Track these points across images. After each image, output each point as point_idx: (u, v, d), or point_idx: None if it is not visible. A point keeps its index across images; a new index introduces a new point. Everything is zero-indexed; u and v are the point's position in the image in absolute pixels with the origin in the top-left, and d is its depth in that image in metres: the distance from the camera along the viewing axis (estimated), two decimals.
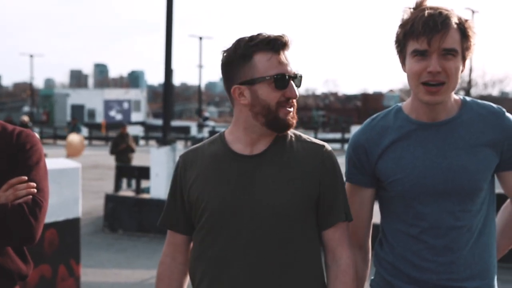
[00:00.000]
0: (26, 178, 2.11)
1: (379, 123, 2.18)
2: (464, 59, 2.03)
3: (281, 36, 2.00)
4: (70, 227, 4.82)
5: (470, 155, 2.05)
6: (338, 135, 35.81)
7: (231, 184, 2.03)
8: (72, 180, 4.80)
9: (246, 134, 2.06)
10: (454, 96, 2.12)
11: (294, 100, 2.04)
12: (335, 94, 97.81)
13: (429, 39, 1.94)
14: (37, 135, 2.30)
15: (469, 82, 41.05)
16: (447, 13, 1.98)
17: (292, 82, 2.01)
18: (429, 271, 2.08)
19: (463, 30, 2.00)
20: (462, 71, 2.05)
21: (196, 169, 2.10)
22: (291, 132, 2.11)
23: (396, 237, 2.16)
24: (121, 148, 14.12)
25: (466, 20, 2.01)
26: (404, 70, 2.08)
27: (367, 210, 2.23)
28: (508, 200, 2.25)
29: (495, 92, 58.18)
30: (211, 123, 40.10)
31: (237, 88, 2.02)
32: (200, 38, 46.33)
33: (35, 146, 2.21)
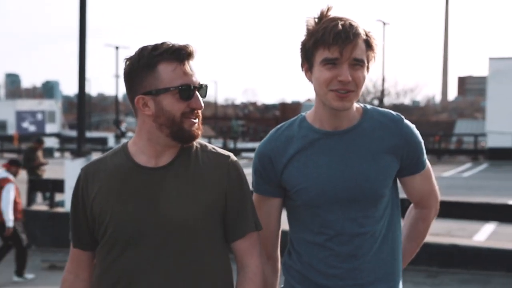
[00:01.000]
0: None
1: (284, 133, 2.19)
2: (368, 68, 2.08)
3: (185, 46, 1.96)
4: None
5: (371, 162, 2.10)
6: (257, 144, 35.97)
7: (134, 197, 1.98)
8: None
9: (150, 145, 2.01)
10: (356, 105, 2.16)
11: (200, 111, 2.00)
12: (254, 104, 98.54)
13: (341, 49, 1.97)
14: None
15: (382, 92, 42.25)
16: (356, 25, 2.03)
17: (197, 93, 1.98)
18: (335, 277, 2.12)
19: (367, 42, 2.05)
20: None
21: (98, 182, 2.03)
22: (196, 142, 2.08)
23: (303, 246, 2.18)
24: (36, 164, 13.73)
25: (369, 32, 2.07)
26: (308, 78, 2.11)
27: (275, 220, 2.23)
28: (411, 205, 2.33)
29: (406, 101, 60.32)
30: (129, 134, 39.57)
31: (140, 98, 1.96)
32: (117, 48, 45.51)
33: None
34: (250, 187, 2.17)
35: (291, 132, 2.18)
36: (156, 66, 1.94)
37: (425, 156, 2.23)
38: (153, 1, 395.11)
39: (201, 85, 2.00)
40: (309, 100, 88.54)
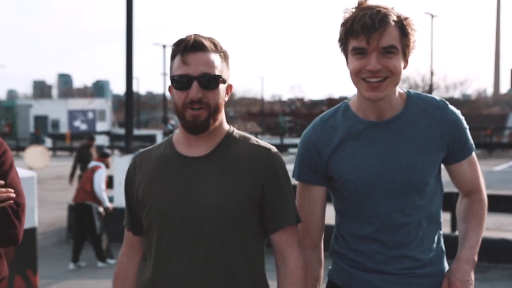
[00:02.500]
0: (3, 182, 2.13)
1: (327, 122, 2.19)
2: (405, 55, 2.04)
3: (188, 36, 1.98)
4: (26, 237, 4.71)
5: (417, 152, 2.09)
6: None
7: (174, 185, 2.03)
8: (27, 190, 4.71)
9: (184, 135, 2.06)
10: (399, 90, 2.13)
11: (211, 102, 1.97)
12: (301, 100, 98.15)
13: (368, 38, 1.96)
14: (4, 142, 2.33)
15: (431, 85, 41.63)
16: (385, 11, 1.99)
17: (195, 82, 1.94)
18: (382, 263, 2.15)
19: (402, 28, 2.01)
20: (404, 67, 2.06)
21: (143, 170, 2.11)
22: (239, 134, 2.10)
23: (349, 234, 2.20)
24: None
25: (406, 18, 2.03)
26: (348, 68, 2.10)
27: (319, 209, 2.23)
28: (459, 198, 2.31)
29: (457, 94, 59.12)
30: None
31: (170, 88, 2.05)
32: (164, 46, 46.13)
33: (7, 152, 2.25)
34: (291, 175, 2.18)
35: (335, 121, 2.18)
36: (173, 58, 2.01)
37: (471, 141, 2.20)
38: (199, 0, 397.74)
39: (204, 74, 1.96)
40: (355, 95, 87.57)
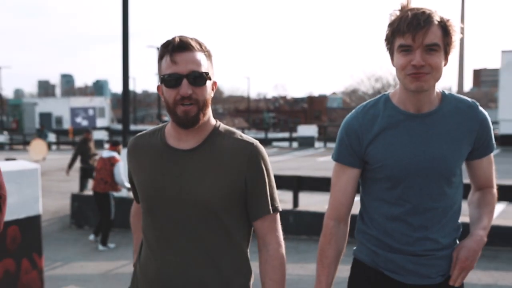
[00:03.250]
0: None
1: (369, 111, 2.20)
2: (446, 53, 2.07)
3: (174, 38, 1.96)
4: (31, 223, 4.75)
5: (449, 144, 2.12)
6: (286, 134, 36.04)
7: (163, 176, 2.02)
8: (31, 181, 4.74)
9: (174, 129, 2.05)
10: (436, 90, 2.16)
11: (199, 98, 1.96)
12: (284, 98, 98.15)
13: (413, 35, 1.98)
14: None
15: None
16: (430, 12, 2.01)
17: (185, 80, 1.92)
18: (406, 244, 2.16)
19: (444, 28, 2.03)
20: (445, 65, 2.08)
21: (135, 156, 2.12)
22: (224, 128, 2.08)
23: (377, 214, 2.21)
24: (90, 154, 13.96)
25: (448, 19, 2.04)
26: (393, 65, 2.11)
27: (351, 188, 2.24)
28: (471, 192, 2.35)
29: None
30: None
31: (159, 87, 2.03)
32: (157, 48, 45.81)
33: None
34: (330, 156, 2.23)
35: (376, 110, 2.19)
36: (161, 59, 1.99)
37: (494, 141, 2.24)
38: (190, 5, 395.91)
39: (193, 72, 1.93)
40: (334, 93, 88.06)
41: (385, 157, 2.14)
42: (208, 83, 1.99)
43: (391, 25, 2.06)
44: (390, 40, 2.09)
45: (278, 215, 2.10)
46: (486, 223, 2.22)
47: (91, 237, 9.58)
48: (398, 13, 2.06)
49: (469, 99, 2.19)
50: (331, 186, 2.30)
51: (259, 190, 2.03)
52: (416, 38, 1.98)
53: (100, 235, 9.30)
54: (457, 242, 2.25)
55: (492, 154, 2.26)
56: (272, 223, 2.06)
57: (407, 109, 2.14)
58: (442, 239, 2.18)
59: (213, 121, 2.08)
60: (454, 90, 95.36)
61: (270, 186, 2.07)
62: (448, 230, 2.20)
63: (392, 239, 2.18)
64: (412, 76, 2.02)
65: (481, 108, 2.18)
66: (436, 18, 2.01)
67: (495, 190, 2.31)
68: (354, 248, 2.34)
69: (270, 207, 2.05)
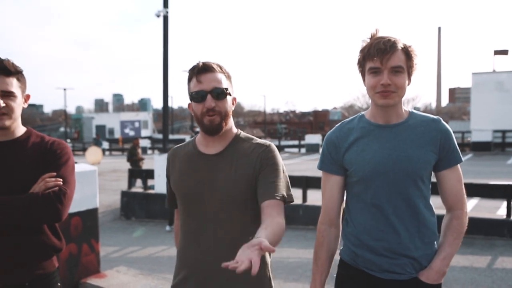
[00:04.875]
0: (55, 173, 2.11)
1: (346, 125, 2.14)
2: (409, 75, 2.01)
3: (197, 63, 1.98)
4: (90, 215, 4.77)
5: (414, 149, 2.01)
6: (296, 142, 36.00)
7: (197, 176, 2.01)
8: (90, 180, 4.76)
9: (203, 137, 2.05)
10: (405, 108, 2.09)
11: (221, 109, 1.96)
12: (293, 112, 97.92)
13: (381, 59, 1.94)
14: (68, 144, 2.28)
15: None
16: (394, 39, 1.97)
17: (209, 95, 1.94)
18: (383, 241, 2.02)
19: (407, 53, 1.98)
20: (408, 84, 2.02)
21: (174, 163, 2.11)
22: (245, 135, 2.07)
23: (357, 214, 2.09)
24: (138, 159, 14.02)
25: (410, 45, 2.00)
26: (365, 85, 2.05)
27: (337, 193, 2.14)
28: (444, 216, 2.11)
29: (409, 108, 58.79)
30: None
31: (189, 104, 2.04)
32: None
33: (64, 150, 2.21)
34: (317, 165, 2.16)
35: (351, 125, 2.13)
36: (190, 81, 2.00)
37: (460, 153, 2.08)
38: (217, 35, 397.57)
39: (216, 88, 1.95)
40: (335, 108, 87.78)
41: (358, 161, 2.04)
42: (229, 98, 1.99)
43: (362, 51, 2.01)
44: (361, 64, 2.02)
45: (282, 204, 1.92)
46: (447, 253, 2.02)
47: (167, 228, 9.40)
48: (368, 40, 2.00)
49: (433, 116, 2.11)
50: (321, 194, 2.19)
51: (268, 179, 1.94)
52: (384, 61, 1.93)
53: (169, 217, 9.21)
54: (434, 244, 2.06)
55: (459, 170, 2.08)
56: (277, 207, 1.88)
57: (377, 121, 2.07)
58: (417, 238, 2.01)
59: (235, 130, 2.08)
60: (434, 105, 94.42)
61: (278, 178, 1.96)
62: (421, 228, 2.02)
63: (369, 237, 2.04)
64: (380, 94, 1.96)
65: (443, 122, 2.07)
66: (400, 45, 1.96)
67: (463, 215, 2.07)
68: (341, 248, 2.20)
69: (277, 194, 1.91)
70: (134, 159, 13.93)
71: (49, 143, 2.20)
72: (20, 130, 2.20)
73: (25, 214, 2.01)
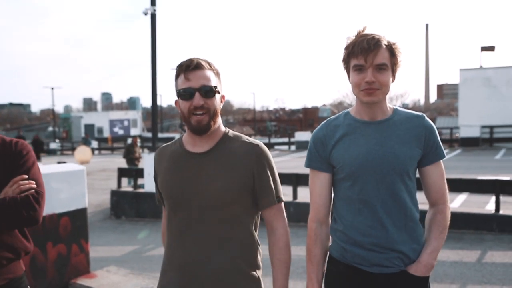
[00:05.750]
0: (26, 176, 2.08)
1: (332, 123, 2.13)
2: (393, 72, 2.01)
3: (187, 59, 1.95)
4: (79, 215, 4.73)
5: (399, 145, 2.01)
6: (286, 139, 36.05)
7: (181, 174, 1.98)
8: (79, 180, 4.71)
9: (190, 136, 2.02)
10: (389, 105, 2.09)
11: (210, 107, 1.93)
12: (283, 109, 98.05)
13: (365, 57, 1.93)
14: (29, 144, 2.25)
15: None
16: (379, 37, 1.97)
17: (197, 93, 1.90)
18: (371, 236, 2.02)
19: (391, 50, 1.98)
20: (392, 81, 2.02)
21: (161, 162, 2.08)
22: (233, 134, 2.04)
23: (344, 211, 2.08)
24: (134, 158, 13.91)
25: (394, 43, 2.00)
26: (349, 82, 2.04)
27: (326, 191, 2.13)
28: (428, 211, 2.13)
29: (398, 104, 59.27)
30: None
31: (176, 101, 2.00)
32: None
33: (29, 152, 2.17)
34: (304, 163, 2.15)
35: (337, 122, 2.12)
36: (177, 78, 1.97)
37: (443, 150, 2.09)
38: (205, 33, 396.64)
39: (204, 86, 1.91)
40: (324, 105, 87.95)
41: (344, 158, 2.04)
42: (217, 96, 1.96)
43: (347, 48, 2.00)
44: (346, 61, 2.02)
45: (282, 204, 2.05)
46: (434, 246, 2.04)
47: None
48: (353, 37, 2.00)
49: (418, 112, 2.12)
50: (309, 192, 2.17)
51: (265, 184, 1.98)
52: (368, 59, 1.93)
53: None
54: (421, 238, 2.07)
55: (442, 166, 2.09)
56: (277, 211, 2.02)
57: (362, 118, 2.07)
58: (403, 231, 2.02)
59: (223, 128, 2.05)
60: (422, 102, 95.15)
61: (274, 180, 2.02)
62: (408, 222, 2.03)
63: (357, 232, 2.03)
64: (365, 92, 1.96)
65: (427, 118, 2.07)
66: (384, 42, 1.96)
67: (446, 209, 2.10)
68: (330, 244, 2.18)
69: (275, 198, 2.00)
70: (130, 157, 13.84)
71: (13, 144, 2.15)
72: None
73: (6, 218, 1.98)
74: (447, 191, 2.12)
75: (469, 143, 25.86)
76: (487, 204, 9.47)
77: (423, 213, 2.08)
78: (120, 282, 4.81)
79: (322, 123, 2.19)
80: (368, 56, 1.93)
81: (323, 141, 2.10)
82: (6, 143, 2.15)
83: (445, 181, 2.11)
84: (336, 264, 2.13)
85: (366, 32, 2.01)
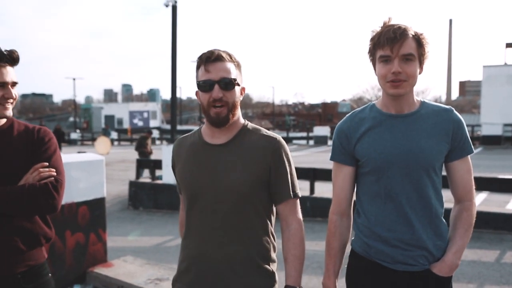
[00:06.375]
0: (47, 163, 2.09)
1: (357, 115, 2.09)
2: (421, 63, 1.96)
3: (208, 51, 1.93)
4: (97, 204, 4.78)
5: (426, 139, 1.97)
6: (304, 134, 35.93)
7: (200, 167, 1.98)
8: (98, 169, 4.77)
9: (208, 128, 2.02)
10: (416, 98, 2.05)
11: (229, 100, 1.92)
12: (302, 104, 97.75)
13: (391, 47, 1.89)
14: (51, 132, 2.25)
15: None
16: (405, 27, 1.92)
17: (216, 85, 1.90)
18: (396, 231, 1.99)
19: (418, 40, 1.93)
20: (420, 72, 1.97)
21: (179, 153, 2.08)
22: (252, 126, 2.04)
23: (369, 205, 2.05)
24: (146, 151, 14.01)
25: (421, 33, 1.95)
26: (376, 74, 2.00)
27: (349, 184, 2.11)
28: (453, 207, 2.10)
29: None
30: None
31: (196, 92, 2.00)
32: None
33: (52, 139, 2.18)
34: (329, 157, 2.13)
35: (363, 114, 2.09)
36: (198, 69, 1.96)
37: (471, 145, 2.05)
38: (226, 26, 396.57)
39: (224, 79, 1.90)
40: (344, 100, 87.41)
41: (370, 151, 2.00)
42: (237, 88, 1.95)
43: (372, 39, 1.97)
44: (372, 52, 1.98)
45: (298, 200, 2.03)
46: (458, 245, 2.01)
47: None
48: (379, 29, 1.96)
49: (445, 105, 2.07)
50: (332, 184, 2.15)
51: (281, 178, 1.97)
52: (394, 49, 1.89)
53: None
54: (446, 235, 2.04)
55: (470, 161, 2.05)
56: (293, 207, 2.00)
57: (389, 111, 2.02)
58: (428, 226, 1.99)
59: (242, 121, 2.04)
60: (444, 98, 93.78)
61: (291, 175, 2.00)
62: (433, 218, 2.00)
63: (382, 227, 2.00)
64: (391, 84, 1.92)
65: (456, 112, 2.03)
66: (411, 32, 1.92)
67: (472, 206, 2.06)
68: (352, 239, 2.16)
69: (291, 193, 1.99)
70: (141, 150, 13.95)
71: (36, 131, 2.17)
72: (1, 119, 2.15)
73: (23, 205, 2.00)
74: (473, 187, 2.07)
75: (490, 141, 25.45)
76: (508, 204, 9.32)
77: (447, 210, 2.04)
78: (136, 272, 4.86)
79: (347, 115, 2.15)
80: (394, 46, 1.89)
81: (347, 134, 2.07)
82: (29, 130, 2.17)
83: (472, 177, 2.06)
84: (358, 259, 2.11)
85: (391, 23, 1.97)
